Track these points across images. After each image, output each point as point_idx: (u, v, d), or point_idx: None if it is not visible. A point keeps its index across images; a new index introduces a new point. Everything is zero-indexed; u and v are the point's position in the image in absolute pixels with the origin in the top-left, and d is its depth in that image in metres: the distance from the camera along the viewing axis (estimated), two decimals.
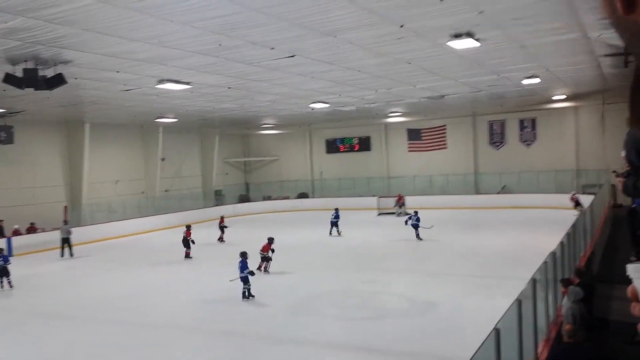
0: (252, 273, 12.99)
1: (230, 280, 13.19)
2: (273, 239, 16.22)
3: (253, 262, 14.24)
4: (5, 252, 16.67)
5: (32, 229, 24.30)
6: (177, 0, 9.24)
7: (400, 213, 30.19)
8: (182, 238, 19.70)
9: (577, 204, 27.13)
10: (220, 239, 23.32)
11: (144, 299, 13.70)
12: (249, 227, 28.95)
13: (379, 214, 31.15)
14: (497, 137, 34.13)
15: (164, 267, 18.19)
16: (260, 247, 16.03)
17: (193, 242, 19.49)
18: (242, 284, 12.83)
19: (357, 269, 15.96)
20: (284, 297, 12.92)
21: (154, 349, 9.73)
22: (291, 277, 15.56)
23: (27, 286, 16.21)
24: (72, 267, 19.09)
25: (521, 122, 33.16)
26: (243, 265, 12.90)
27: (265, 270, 15.98)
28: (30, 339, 10.81)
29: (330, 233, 23.72)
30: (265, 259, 16.04)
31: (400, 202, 30.87)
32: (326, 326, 10.81)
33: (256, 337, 10.15)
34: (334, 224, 23.84)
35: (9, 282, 15.66)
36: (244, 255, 13.24)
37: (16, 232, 23.49)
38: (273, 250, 16.05)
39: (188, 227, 19.87)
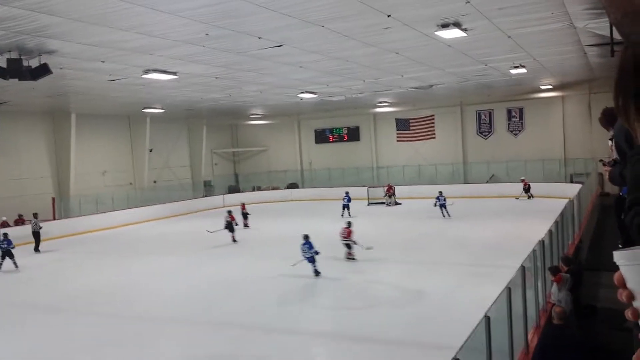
0: (317, 252, 13.77)
1: (293, 265, 13.66)
2: (351, 222, 16.06)
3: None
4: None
5: (20, 221, 24.05)
6: None
7: (390, 203, 30.37)
8: (224, 225, 20.31)
9: (527, 190, 28.12)
10: (245, 225, 23.96)
11: (133, 291, 13.65)
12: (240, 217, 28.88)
13: (369, 204, 31.21)
14: (485, 127, 34.26)
15: (153, 258, 18.12)
16: (342, 234, 15.80)
17: (237, 223, 20.97)
18: (308, 264, 13.72)
19: (348, 259, 15.99)
20: (274, 288, 12.92)
21: (145, 341, 9.71)
22: (281, 267, 15.56)
23: (16, 278, 16.09)
24: (61, 259, 18.96)
25: (509, 111, 33.30)
26: (310, 247, 13.80)
27: (351, 256, 15.56)
28: (21, 332, 10.74)
29: (342, 215, 25.24)
30: (348, 245, 15.70)
31: (389, 192, 30.97)
32: (317, 316, 10.85)
33: (247, 327, 10.15)
34: (346, 206, 25.92)
35: (14, 263, 17.19)
36: (307, 237, 14.07)
37: (4, 224, 23.23)
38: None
39: (229, 212, 20.86)
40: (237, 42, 13.58)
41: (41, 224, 21.62)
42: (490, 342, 5.33)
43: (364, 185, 33.42)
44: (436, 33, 13.43)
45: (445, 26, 12.86)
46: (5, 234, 17.87)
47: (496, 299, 6.08)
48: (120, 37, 12.34)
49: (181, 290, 13.58)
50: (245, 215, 24.55)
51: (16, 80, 13.26)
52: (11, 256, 17.25)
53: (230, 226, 20.26)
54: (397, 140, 36.71)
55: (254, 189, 39.11)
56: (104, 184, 30.39)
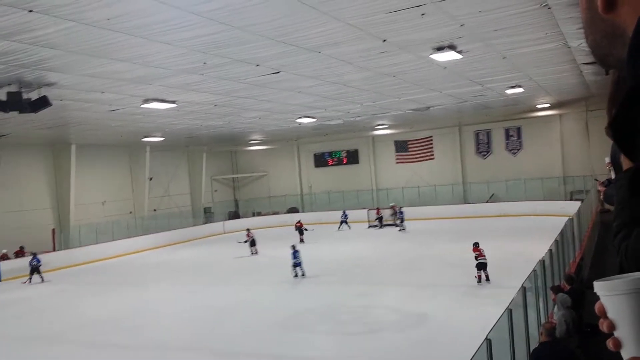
0: (300, 263, 17.00)
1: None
2: (478, 243, 15.19)
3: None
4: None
5: (20, 253, 23.97)
6: (156, 21, 9.27)
7: (396, 224, 30.28)
8: (295, 227, 27.28)
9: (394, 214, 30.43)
10: (301, 241, 25.72)
11: (136, 319, 13.56)
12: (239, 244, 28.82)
13: (369, 227, 31.16)
14: (483, 147, 34.39)
15: (155, 286, 18.05)
16: (475, 252, 14.84)
17: (306, 229, 26.53)
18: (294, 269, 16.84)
19: (347, 283, 15.91)
20: (273, 313, 12.84)
21: None
22: (280, 291, 15.48)
23: (20, 310, 15.98)
24: (63, 290, 18.86)
25: (507, 131, 33.45)
26: (295, 256, 17.05)
27: (487, 278, 14.58)
28: None
29: (339, 228, 30.07)
30: (482, 266, 14.64)
31: (395, 212, 30.88)
32: (317, 342, 10.75)
33: (245, 355, 10.06)
34: (344, 221, 30.27)
35: (41, 277, 20.84)
36: (294, 247, 17.44)
37: (4, 257, 23.17)
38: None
39: (299, 221, 27.87)
40: (235, 69, 13.73)
41: (40, 258, 21.67)
42: None
43: (363, 208, 33.43)
44: (431, 56, 13.59)
45: (440, 49, 13.01)
46: (34, 253, 21.61)
47: (497, 321, 6.05)
48: (119, 67, 12.49)
49: (184, 317, 13.52)
50: (301, 231, 26.92)
51: (16, 112, 13.37)
52: (39, 272, 20.94)
53: (253, 242, 24.22)
54: (397, 162, 36.79)
55: (254, 214, 39.05)
56: (104, 213, 30.36)
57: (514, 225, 26.75)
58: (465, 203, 33.78)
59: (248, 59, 12.63)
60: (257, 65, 13.36)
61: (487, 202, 32.90)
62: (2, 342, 12.50)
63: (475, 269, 14.44)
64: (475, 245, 14.88)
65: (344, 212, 30.98)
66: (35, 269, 21.14)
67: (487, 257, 14.54)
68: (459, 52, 13.35)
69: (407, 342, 10.05)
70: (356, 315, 12.20)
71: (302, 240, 25.92)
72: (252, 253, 23.92)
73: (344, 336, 10.78)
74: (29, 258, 22.31)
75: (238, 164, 42.25)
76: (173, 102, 17.47)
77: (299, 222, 28.26)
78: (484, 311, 11.29)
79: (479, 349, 5.11)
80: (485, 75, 17.75)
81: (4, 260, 22.88)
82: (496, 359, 5.38)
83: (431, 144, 35.59)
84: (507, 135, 33.51)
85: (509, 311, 6.24)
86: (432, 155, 35.61)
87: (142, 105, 17.41)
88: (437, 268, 17.13)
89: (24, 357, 11.30)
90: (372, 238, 26.55)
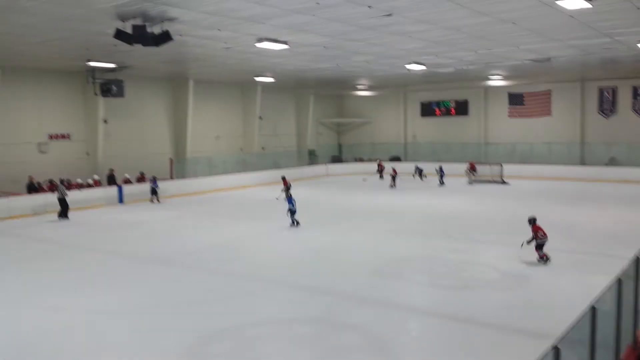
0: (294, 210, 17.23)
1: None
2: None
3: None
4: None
5: (141, 179, 26.09)
6: None
7: (471, 181, 29.82)
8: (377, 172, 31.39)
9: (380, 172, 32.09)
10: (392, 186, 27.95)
11: (239, 250, 14.44)
12: (342, 187, 29.33)
13: (470, 182, 30.32)
14: (607, 105, 31.59)
15: (259, 220, 18.96)
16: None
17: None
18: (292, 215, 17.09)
19: (447, 237, 15.72)
20: (370, 259, 13.04)
21: (248, 299, 10.25)
22: (379, 240, 15.64)
23: (138, 232, 17.59)
24: (177, 217, 20.37)
25: (635, 89, 30.39)
26: (290, 201, 17.33)
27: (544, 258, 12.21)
28: (139, 283, 11.79)
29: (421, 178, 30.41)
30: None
31: (472, 170, 30.09)
32: (410, 290, 10.81)
33: (341, 296, 10.37)
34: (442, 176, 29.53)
35: (158, 199, 24.09)
36: (290, 196, 17.81)
37: (126, 181, 25.36)
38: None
39: (394, 169, 29.19)
40: (346, 11, 13.54)
41: (67, 192, 20.52)
42: (594, 335, 5.05)
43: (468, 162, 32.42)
44: (558, 2, 12.50)
45: None
46: (154, 177, 24.39)
47: (605, 290, 5.72)
48: (235, 5, 12.77)
49: (283, 252, 14.19)
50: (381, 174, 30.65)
51: (140, 45, 14.17)
52: (156, 194, 24.11)
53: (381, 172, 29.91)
54: (509, 116, 34.99)
55: (356, 160, 39.34)
56: (217, 148, 32.08)
57: (634, 192, 24.74)
58: (582, 165, 31.65)
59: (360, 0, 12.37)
60: (369, 7, 13.05)
61: (606, 165, 30.58)
62: (122, 260, 13.87)
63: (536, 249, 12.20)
64: (533, 222, 12.38)
65: (441, 169, 29.56)
66: (154, 191, 24.04)
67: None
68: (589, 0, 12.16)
69: (502, 301, 9.83)
70: (454, 269, 12.07)
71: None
72: (391, 186, 28.09)
73: (437, 289, 10.75)
74: (150, 182, 24.43)
75: (343, 108, 42.34)
76: (284, 42, 17.66)
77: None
78: (590, 280, 10.72)
79: (582, 316, 4.87)
80: (615, 27, 16.10)
81: (126, 184, 25.07)
82: (599, 328, 5.12)
83: (549, 98, 33.33)
84: (635, 94, 30.46)
85: (619, 281, 5.87)
86: (550, 110, 33.41)
87: (256, 44, 17.78)
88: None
89: (142, 273, 12.49)
90: (474, 194, 25.80)
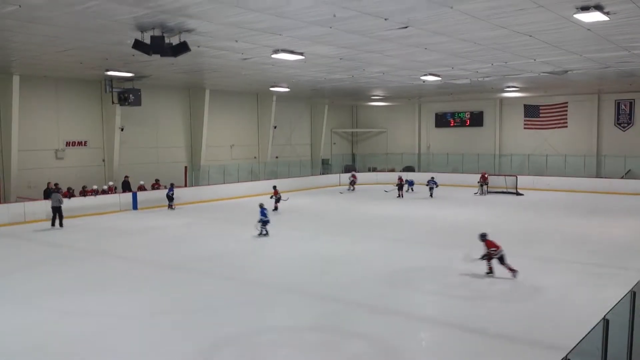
0: (267, 221, 17.34)
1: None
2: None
3: None
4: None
5: (156, 186, 26.38)
6: None
7: (478, 192, 29.81)
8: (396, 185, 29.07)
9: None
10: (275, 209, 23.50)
11: (250, 258, 14.57)
12: (354, 196, 29.37)
13: (483, 193, 30.19)
14: (624, 118, 31.38)
15: (271, 228, 19.05)
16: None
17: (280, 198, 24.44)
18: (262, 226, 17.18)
19: (460, 247, 15.69)
20: (381, 267, 13.08)
21: (257, 307, 10.35)
22: (391, 248, 15.67)
23: (148, 239, 17.79)
24: (190, 224, 20.58)
25: None
26: (263, 213, 17.31)
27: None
28: (151, 288, 11.94)
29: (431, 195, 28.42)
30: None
31: (484, 181, 29.93)
32: (420, 300, 10.84)
33: (351, 304, 10.42)
34: (432, 187, 28.58)
35: (172, 206, 24.53)
36: (262, 205, 17.66)
37: (141, 188, 25.66)
38: None
39: (400, 177, 29.39)
40: (363, 23, 13.66)
41: (63, 199, 20.36)
42: (606, 347, 5.05)
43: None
44: (575, 16, 12.51)
45: (585, 9, 11.91)
46: (172, 184, 24.90)
47: (618, 302, 5.73)
48: (253, 18, 12.96)
49: (294, 259, 14.29)
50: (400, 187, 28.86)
51: (158, 56, 14.42)
52: (172, 201, 24.66)
53: (400, 187, 28.48)
54: (524, 128, 34.87)
55: (369, 170, 39.39)
56: (231, 156, 32.39)
57: None
58: (598, 177, 31.40)
59: (377, 12, 12.48)
60: (386, 19, 13.17)
61: (622, 177, 30.30)
62: (133, 265, 14.06)
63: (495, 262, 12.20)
64: (484, 237, 12.47)
65: (433, 180, 28.75)
66: (170, 198, 24.40)
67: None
68: (606, 13, 12.15)
69: (514, 312, 9.82)
70: (464, 280, 12.07)
71: (276, 209, 23.53)
72: (403, 191, 28.73)
73: (448, 298, 10.76)
74: (164, 190, 24.73)
75: (358, 118, 42.50)
76: (301, 53, 17.84)
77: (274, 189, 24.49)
78: (604, 292, 10.66)
79: (593, 328, 4.89)
80: (634, 40, 16.03)
81: (140, 191, 25.36)
82: (612, 343, 5.12)
83: (566, 110, 33.19)
84: None
85: (632, 293, 5.87)
86: (566, 122, 33.28)
87: (272, 56, 17.98)
88: (557, 242, 16.26)
89: (153, 279, 12.65)
90: (488, 204, 25.70)
